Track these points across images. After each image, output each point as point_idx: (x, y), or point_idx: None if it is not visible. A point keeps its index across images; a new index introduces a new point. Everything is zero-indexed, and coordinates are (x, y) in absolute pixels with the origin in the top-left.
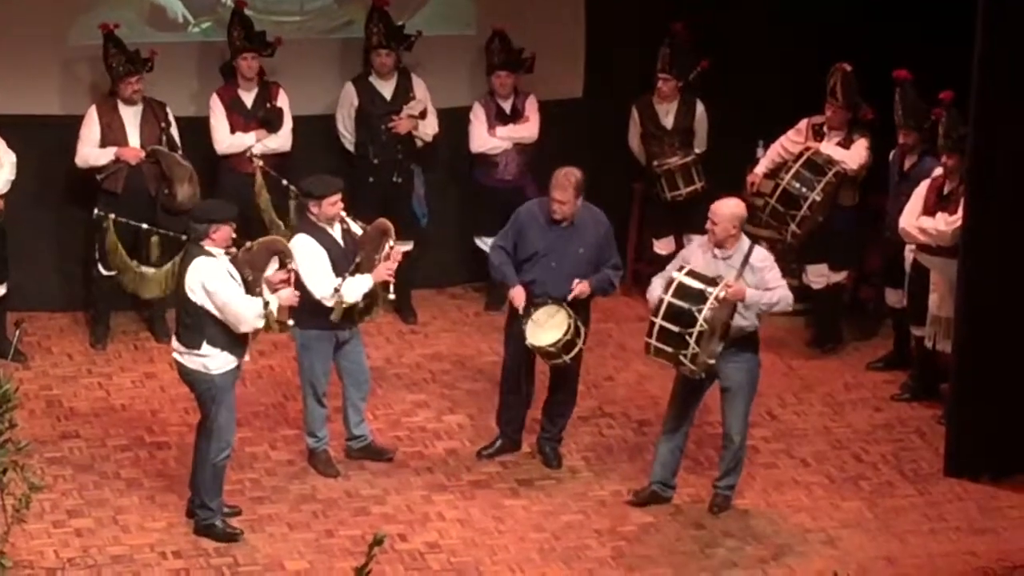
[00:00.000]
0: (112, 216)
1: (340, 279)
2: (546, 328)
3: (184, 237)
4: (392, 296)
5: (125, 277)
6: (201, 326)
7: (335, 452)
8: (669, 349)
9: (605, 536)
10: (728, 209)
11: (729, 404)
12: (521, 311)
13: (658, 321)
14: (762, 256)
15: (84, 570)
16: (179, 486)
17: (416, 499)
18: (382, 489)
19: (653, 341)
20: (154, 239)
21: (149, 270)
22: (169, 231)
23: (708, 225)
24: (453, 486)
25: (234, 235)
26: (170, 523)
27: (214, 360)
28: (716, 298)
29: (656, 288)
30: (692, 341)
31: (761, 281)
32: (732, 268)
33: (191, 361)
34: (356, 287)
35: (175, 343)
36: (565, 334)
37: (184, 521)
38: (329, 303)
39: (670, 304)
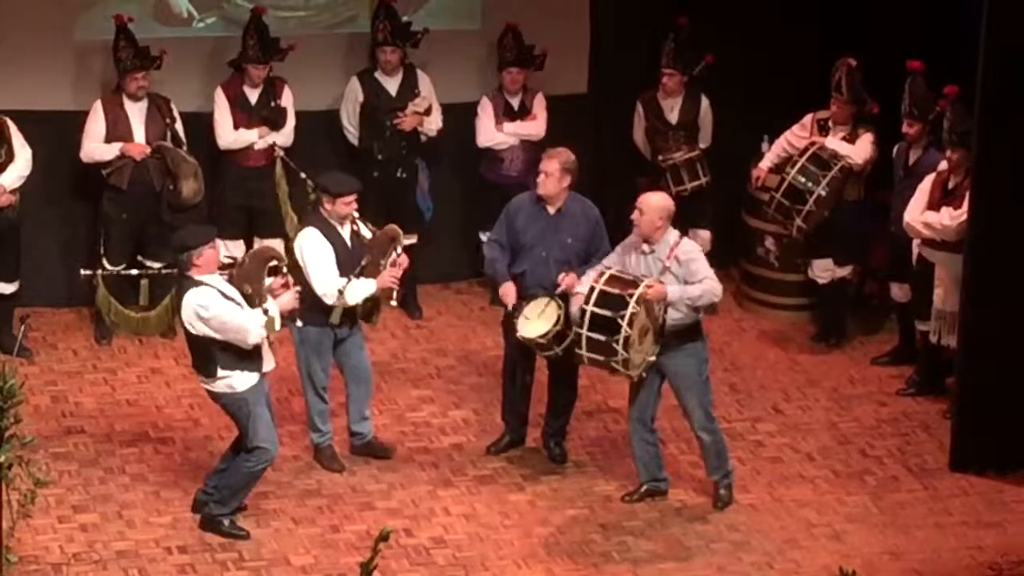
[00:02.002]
0: (100, 272)
1: (345, 280)
2: (537, 320)
3: (176, 271)
4: (395, 304)
5: (128, 327)
6: (211, 355)
7: (340, 447)
8: (600, 358)
9: (610, 531)
10: (656, 201)
11: (683, 400)
12: (511, 308)
13: (584, 332)
14: (688, 248)
15: (89, 565)
16: (184, 481)
17: (422, 494)
18: (387, 484)
19: (584, 352)
20: (144, 283)
21: (150, 313)
22: (161, 268)
23: (634, 216)
24: (458, 481)
25: (224, 257)
26: (175, 518)
27: (237, 379)
28: (637, 301)
29: (585, 282)
30: (620, 348)
31: (688, 273)
32: (659, 261)
33: (216, 386)
34: (359, 290)
35: (197, 374)
36: (555, 325)
37: (190, 516)
38: (330, 302)
39: (593, 314)
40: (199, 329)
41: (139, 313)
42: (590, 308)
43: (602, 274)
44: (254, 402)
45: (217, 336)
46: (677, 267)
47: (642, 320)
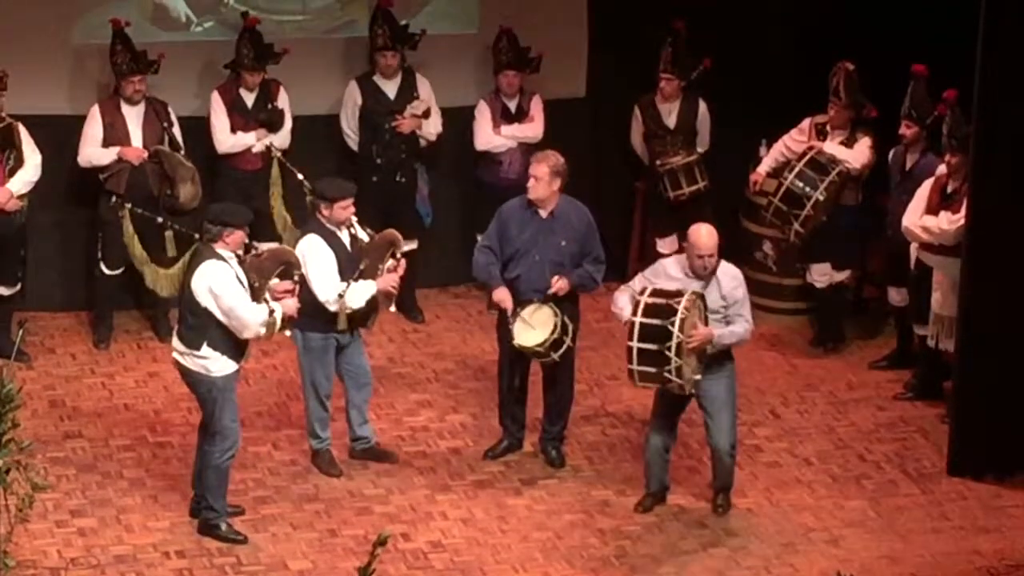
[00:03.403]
0: (129, 206)
1: (344, 284)
2: (533, 328)
3: (197, 236)
4: (393, 308)
5: (142, 269)
6: (204, 328)
7: (338, 452)
8: (652, 370)
9: (608, 535)
10: (714, 238)
11: (714, 420)
12: (509, 313)
13: (635, 344)
14: (731, 273)
15: (87, 570)
16: (182, 485)
17: (419, 498)
18: (385, 489)
19: (635, 366)
20: (169, 234)
21: (160, 270)
22: (183, 227)
23: (703, 261)
24: (456, 485)
25: (247, 240)
26: (173, 523)
27: (215, 362)
28: (685, 308)
29: (623, 304)
30: (673, 355)
31: (730, 296)
32: (702, 280)
33: (192, 362)
34: (360, 293)
35: (176, 343)
36: (552, 333)
37: (187, 520)
38: (332, 307)
39: (642, 324)
40: (205, 301)
41: (155, 265)
42: (639, 319)
43: (644, 289)
44: (225, 388)
45: (219, 315)
46: (716, 289)
47: (690, 327)
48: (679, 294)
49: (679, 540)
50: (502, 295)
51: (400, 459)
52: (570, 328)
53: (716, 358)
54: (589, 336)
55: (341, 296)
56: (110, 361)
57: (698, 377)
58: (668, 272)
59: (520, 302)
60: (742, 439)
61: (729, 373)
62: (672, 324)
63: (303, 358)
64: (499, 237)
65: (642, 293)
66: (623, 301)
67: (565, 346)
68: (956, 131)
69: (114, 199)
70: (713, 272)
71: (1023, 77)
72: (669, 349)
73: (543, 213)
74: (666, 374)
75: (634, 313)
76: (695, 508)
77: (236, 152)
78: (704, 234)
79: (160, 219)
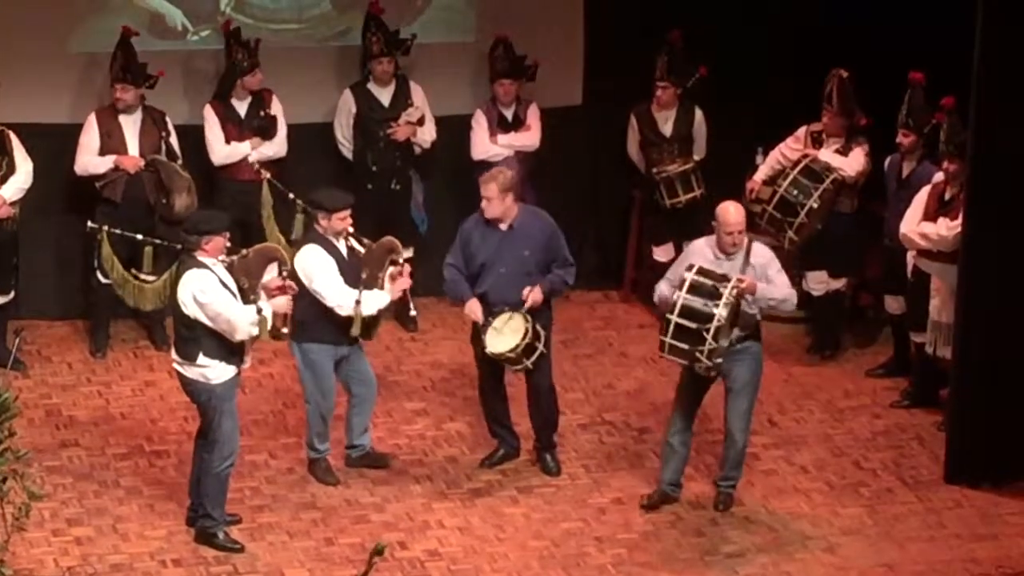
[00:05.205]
0: (106, 228)
1: (357, 291)
2: (504, 335)
3: (179, 247)
4: (414, 312)
5: (123, 290)
6: (197, 338)
7: (335, 460)
8: (685, 346)
9: (605, 543)
10: (742, 214)
11: (733, 402)
12: (480, 324)
13: (674, 318)
14: (761, 251)
15: None
16: (179, 494)
17: (416, 507)
18: (382, 497)
19: (668, 339)
20: (148, 250)
21: (147, 280)
22: (165, 240)
23: (731, 238)
24: (453, 494)
25: (228, 244)
26: (170, 531)
27: (213, 370)
28: (730, 294)
29: (664, 290)
30: (709, 337)
31: (764, 276)
32: (736, 265)
33: (190, 371)
34: (374, 300)
35: (174, 354)
36: (523, 338)
37: (184, 529)
38: (346, 312)
39: (685, 302)
40: (192, 311)
41: (137, 280)
42: (682, 296)
43: (691, 267)
44: (224, 397)
45: (208, 323)
46: (751, 272)
47: (732, 313)
48: (725, 278)
49: (676, 548)
50: (472, 307)
51: (397, 467)
52: (542, 334)
53: (743, 338)
54: (586, 344)
55: (358, 302)
56: (106, 370)
57: (720, 360)
58: (701, 255)
59: (492, 312)
60: None
61: (755, 355)
62: (715, 306)
63: (303, 372)
64: (463, 254)
65: (689, 270)
66: (665, 288)
67: (538, 352)
68: (953, 138)
69: (90, 225)
70: (745, 251)
71: (1020, 83)
72: (707, 331)
73: (503, 226)
74: (697, 353)
75: (680, 289)
76: (692, 516)
77: (232, 163)
78: (732, 211)
79: (140, 236)
